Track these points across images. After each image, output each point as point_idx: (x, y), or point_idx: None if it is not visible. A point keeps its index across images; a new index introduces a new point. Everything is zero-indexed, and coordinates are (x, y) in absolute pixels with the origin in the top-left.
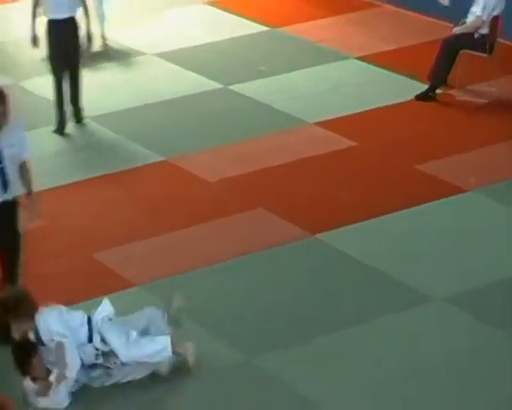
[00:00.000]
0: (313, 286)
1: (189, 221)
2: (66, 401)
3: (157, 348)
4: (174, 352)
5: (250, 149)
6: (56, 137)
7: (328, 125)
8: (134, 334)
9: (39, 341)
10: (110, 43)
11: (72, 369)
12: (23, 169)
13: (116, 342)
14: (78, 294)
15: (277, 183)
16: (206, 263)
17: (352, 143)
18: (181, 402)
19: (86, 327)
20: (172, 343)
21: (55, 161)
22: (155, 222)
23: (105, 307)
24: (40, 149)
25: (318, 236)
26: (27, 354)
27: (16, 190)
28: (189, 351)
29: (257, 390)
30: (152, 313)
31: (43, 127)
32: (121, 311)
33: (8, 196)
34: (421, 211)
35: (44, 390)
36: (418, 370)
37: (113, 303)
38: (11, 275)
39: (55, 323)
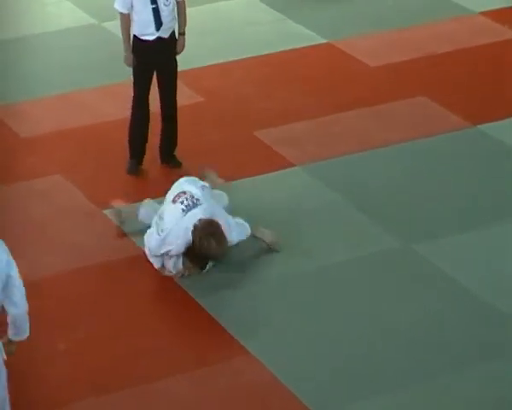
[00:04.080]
0: (471, 176)
1: (349, 105)
2: None
3: (242, 238)
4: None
5: (412, 36)
6: None
7: (494, 15)
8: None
9: None
10: None
11: None
12: (179, 9)
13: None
14: (239, 170)
15: (440, 71)
16: (363, 148)
17: None
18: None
19: None
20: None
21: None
22: (316, 103)
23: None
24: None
25: (480, 127)
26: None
27: (171, 29)
28: (268, 238)
29: (414, 274)
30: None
31: None
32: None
33: (162, 34)
34: None
35: None
36: None
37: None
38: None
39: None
